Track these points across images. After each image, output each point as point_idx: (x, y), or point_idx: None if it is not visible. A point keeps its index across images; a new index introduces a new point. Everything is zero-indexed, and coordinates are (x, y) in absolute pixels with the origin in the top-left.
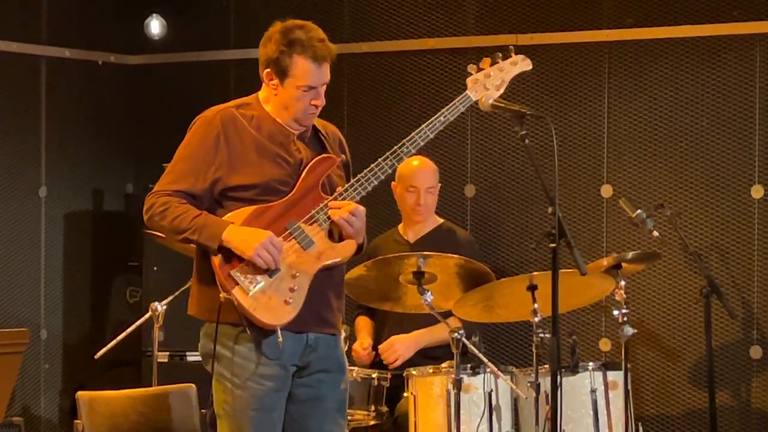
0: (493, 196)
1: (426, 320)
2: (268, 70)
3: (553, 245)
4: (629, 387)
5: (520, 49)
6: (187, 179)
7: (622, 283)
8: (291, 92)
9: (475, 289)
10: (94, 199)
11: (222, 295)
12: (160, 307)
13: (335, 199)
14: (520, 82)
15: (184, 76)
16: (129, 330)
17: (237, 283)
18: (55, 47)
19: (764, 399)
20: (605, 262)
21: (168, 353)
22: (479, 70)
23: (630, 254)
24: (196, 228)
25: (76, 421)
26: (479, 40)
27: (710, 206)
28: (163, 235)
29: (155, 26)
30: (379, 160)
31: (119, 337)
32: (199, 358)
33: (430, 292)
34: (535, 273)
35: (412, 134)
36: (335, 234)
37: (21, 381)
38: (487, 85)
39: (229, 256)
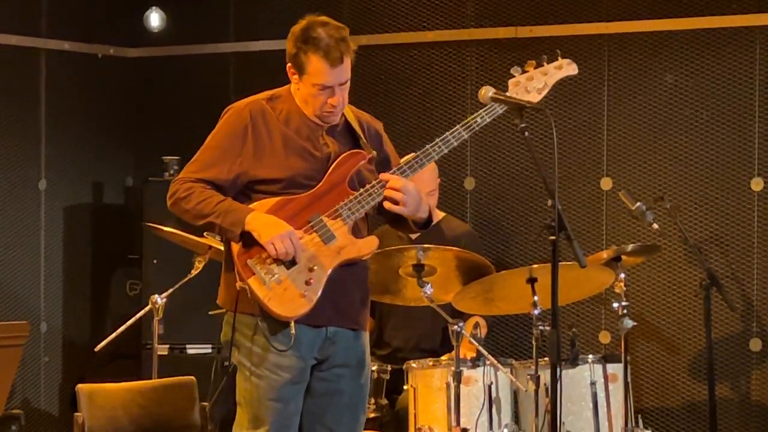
0: (492, 189)
1: (430, 316)
2: (290, 65)
3: (553, 238)
4: (629, 379)
5: (519, 42)
6: (212, 169)
7: (622, 275)
8: (308, 89)
9: (474, 282)
10: (93, 192)
11: (238, 283)
12: (159, 299)
13: (360, 194)
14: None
15: (183, 68)
16: (129, 323)
17: (253, 273)
18: (54, 40)
19: (764, 391)
20: (605, 254)
21: (168, 346)
22: (523, 72)
23: (630, 247)
24: (220, 212)
25: (76, 413)
26: (479, 33)
27: (710, 199)
28: (186, 220)
29: (155, 19)
30: (409, 158)
31: (119, 330)
32: (198, 351)
33: (429, 285)
34: (534, 265)
35: (446, 134)
36: (362, 230)
37: (21, 374)
38: (529, 87)
39: (250, 245)
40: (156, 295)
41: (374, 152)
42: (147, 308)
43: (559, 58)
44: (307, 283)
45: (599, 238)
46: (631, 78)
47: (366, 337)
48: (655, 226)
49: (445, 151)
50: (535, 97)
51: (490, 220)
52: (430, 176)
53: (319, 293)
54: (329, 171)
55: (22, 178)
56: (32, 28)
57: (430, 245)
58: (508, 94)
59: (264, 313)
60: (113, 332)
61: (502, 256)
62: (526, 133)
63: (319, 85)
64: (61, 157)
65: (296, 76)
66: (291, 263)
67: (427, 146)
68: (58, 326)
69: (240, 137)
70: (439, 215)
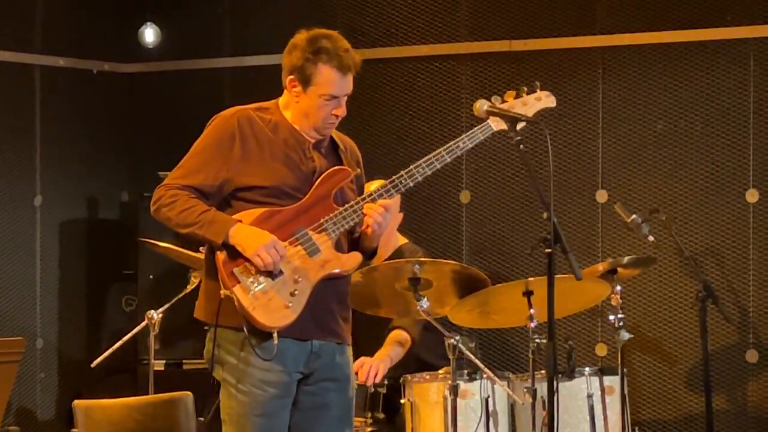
0: (488, 202)
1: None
2: (292, 77)
3: (549, 250)
4: (626, 392)
5: (513, 55)
6: (198, 175)
7: (618, 288)
8: (313, 100)
9: (470, 295)
10: (89, 208)
11: (223, 291)
12: (155, 315)
13: (345, 210)
14: (514, 87)
15: (178, 84)
16: (125, 338)
17: (239, 282)
18: (49, 56)
19: (761, 403)
20: (601, 267)
21: (164, 361)
22: (503, 101)
23: (625, 259)
24: (203, 222)
25: (72, 429)
26: (473, 47)
27: (705, 210)
28: (170, 227)
29: (149, 34)
30: (394, 177)
31: (115, 346)
32: (194, 366)
33: (426, 299)
34: (530, 278)
35: (429, 156)
36: (344, 245)
37: (17, 390)
38: None
39: (235, 254)
40: (152, 311)
41: (358, 170)
42: (143, 324)
43: (538, 89)
44: (292, 294)
45: (595, 251)
46: (625, 91)
47: (350, 351)
48: (651, 238)
49: (429, 173)
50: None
51: (485, 233)
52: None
53: (304, 305)
54: (315, 185)
55: (18, 194)
56: (26, 44)
57: (425, 258)
58: (502, 106)
59: (247, 325)
60: (109, 348)
61: (498, 269)
62: (521, 146)
63: (326, 95)
64: (56, 173)
65: (298, 89)
66: (276, 274)
67: (411, 166)
68: (54, 342)
69: (227, 144)
70: (400, 242)
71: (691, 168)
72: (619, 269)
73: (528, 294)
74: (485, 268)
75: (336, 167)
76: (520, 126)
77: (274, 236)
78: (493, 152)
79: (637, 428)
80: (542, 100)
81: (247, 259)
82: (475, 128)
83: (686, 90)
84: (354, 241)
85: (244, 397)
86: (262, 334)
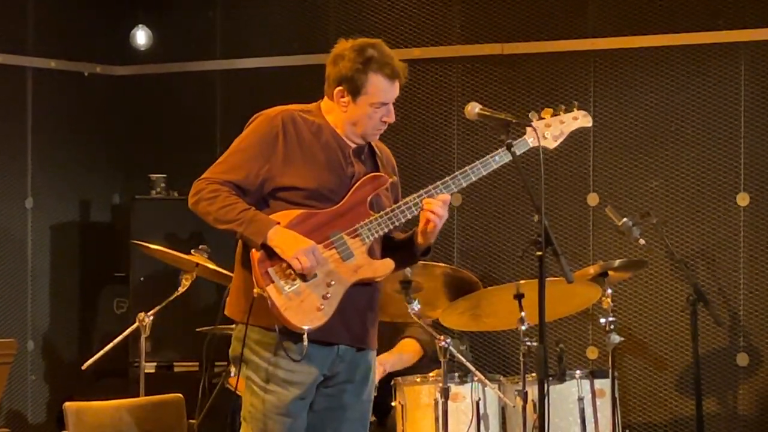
0: (479, 205)
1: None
2: (341, 87)
3: (540, 253)
4: (616, 395)
5: (505, 58)
6: (239, 171)
7: (609, 291)
8: (363, 109)
9: (462, 298)
10: (80, 210)
11: (256, 290)
12: (147, 317)
13: (381, 217)
14: (505, 90)
15: (170, 86)
16: (116, 341)
17: (273, 281)
18: (40, 58)
19: (751, 406)
20: (592, 270)
21: (155, 364)
22: (540, 118)
23: (616, 262)
24: (243, 221)
25: (63, 431)
26: (465, 50)
27: (696, 214)
28: (207, 221)
29: (141, 37)
30: (429, 187)
31: (106, 348)
32: (185, 369)
33: (417, 301)
34: (521, 281)
35: (466, 168)
36: (377, 252)
37: (8, 392)
38: (546, 134)
39: (270, 254)
40: (143, 313)
41: (395, 177)
42: (134, 326)
43: (575, 109)
44: (324, 297)
45: (586, 254)
46: (616, 94)
47: (373, 354)
48: (642, 241)
49: (464, 184)
50: (551, 144)
51: (477, 236)
52: None
53: (335, 308)
54: (352, 190)
55: (9, 196)
56: (18, 46)
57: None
58: (493, 110)
59: (279, 326)
60: (100, 350)
61: (489, 272)
62: (513, 149)
63: (377, 104)
64: (47, 176)
65: (346, 99)
66: (310, 276)
67: (447, 177)
68: (46, 344)
69: (271, 143)
70: None
71: (682, 171)
72: (610, 272)
73: (519, 297)
74: (476, 270)
75: (373, 174)
76: (553, 145)
77: (313, 242)
78: (484, 155)
79: (627, 431)
80: (579, 119)
81: (283, 260)
82: (496, 152)
83: (678, 93)
84: (397, 244)
85: (269, 396)
86: (292, 335)
